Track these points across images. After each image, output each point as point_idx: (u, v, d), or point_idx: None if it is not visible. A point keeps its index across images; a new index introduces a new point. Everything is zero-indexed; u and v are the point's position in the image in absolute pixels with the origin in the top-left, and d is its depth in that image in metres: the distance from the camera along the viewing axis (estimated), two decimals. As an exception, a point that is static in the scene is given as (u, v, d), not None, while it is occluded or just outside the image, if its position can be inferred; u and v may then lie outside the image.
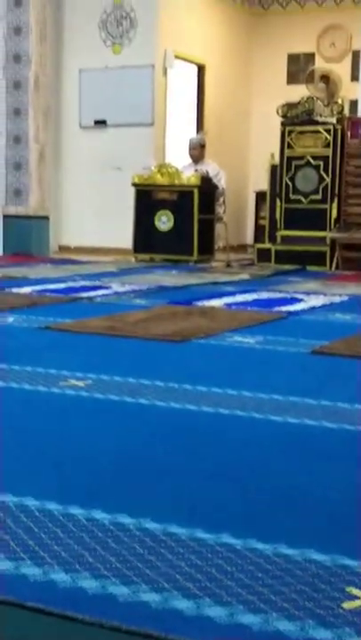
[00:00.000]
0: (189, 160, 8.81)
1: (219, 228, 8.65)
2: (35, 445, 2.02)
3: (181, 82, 9.79)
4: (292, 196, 8.26)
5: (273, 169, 8.41)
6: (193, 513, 1.58)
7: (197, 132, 9.64)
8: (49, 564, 1.32)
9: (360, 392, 2.65)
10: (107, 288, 5.54)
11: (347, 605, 1.20)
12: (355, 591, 1.25)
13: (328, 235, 8.01)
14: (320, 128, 8.14)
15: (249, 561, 1.35)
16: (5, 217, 9.35)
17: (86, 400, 2.47)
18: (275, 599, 1.22)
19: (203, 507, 1.62)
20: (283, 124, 8.28)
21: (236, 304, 4.84)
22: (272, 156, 8.46)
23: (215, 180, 8.48)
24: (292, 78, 10.80)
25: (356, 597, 1.23)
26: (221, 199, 8.65)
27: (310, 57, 10.74)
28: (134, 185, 8.39)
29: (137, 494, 1.68)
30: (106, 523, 1.50)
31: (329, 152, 8.09)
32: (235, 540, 1.44)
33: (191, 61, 9.82)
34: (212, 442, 2.10)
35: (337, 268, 7.94)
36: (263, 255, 8.36)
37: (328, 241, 8.00)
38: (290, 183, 8.25)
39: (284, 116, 8.29)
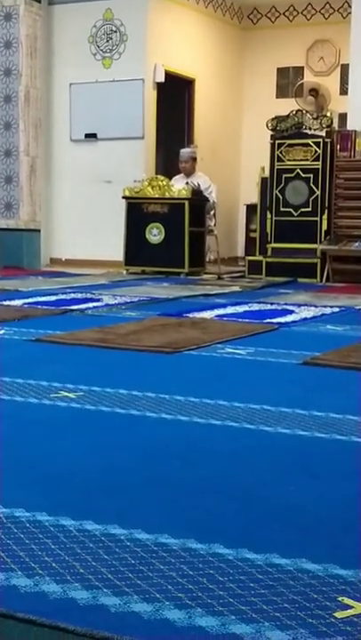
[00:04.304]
0: (180, 173, 8.85)
1: (210, 240, 8.66)
2: (26, 457, 2.01)
3: (172, 95, 9.82)
4: (282, 209, 8.28)
5: (263, 182, 8.45)
6: (185, 523, 1.57)
7: (188, 145, 9.67)
8: (40, 575, 1.31)
9: (351, 402, 2.65)
10: (98, 300, 5.54)
11: (339, 615, 1.20)
12: (347, 600, 1.25)
13: (318, 247, 8.04)
14: (310, 141, 8.18)
15: (241, 571, 1.35)
16: (-4, 230, 9.36)
17: (78, 411, 2.46)
18: (267, 609, 1.21)
19: (194, 517, 1.62)
20: (272, 138, 8.32)
21: (228, 316, 4.84)
22: (262, 169, 8.50)
23: (206, 193, 8.51)
24: (282, 92, 10.86)
25: (348, 607, 1.23)
26: (212, 212, 8.67)
27: (300, 70, 10.80)
28: (125, 198, 8.41)
29: (128, 505, 1.68)
30: (97, 534, 1.50)
31: (319, 165, 8.12)
32: (227, 550, 1.43)
33: (181, 75, 9.86)
34: (203, 452, 2.10)
35: (328, 279, 7.96)
36: (254, 267, 8.38)
37: (318, 253, 8.02)
38: (280, 196, 8.28)
39: (273, 130, 8.33)
